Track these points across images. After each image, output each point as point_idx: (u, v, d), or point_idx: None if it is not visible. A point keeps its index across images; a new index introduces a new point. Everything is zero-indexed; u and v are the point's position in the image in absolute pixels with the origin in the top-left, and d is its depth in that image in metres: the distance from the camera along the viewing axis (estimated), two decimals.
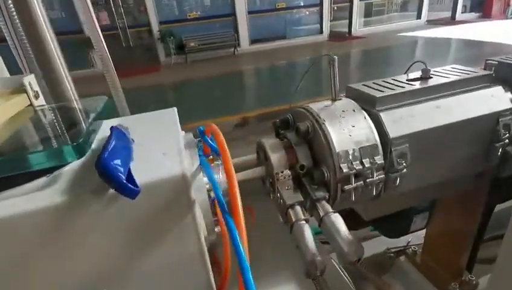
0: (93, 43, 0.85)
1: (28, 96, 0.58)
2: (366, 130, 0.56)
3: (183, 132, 0.58)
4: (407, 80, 0.66)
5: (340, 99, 0.62)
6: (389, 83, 0.65)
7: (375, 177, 0.55)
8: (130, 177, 0.37)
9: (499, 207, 0.88)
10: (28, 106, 0.59)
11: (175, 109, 0.62)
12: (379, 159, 0.55)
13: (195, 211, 0.41)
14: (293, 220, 0.51)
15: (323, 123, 0.55)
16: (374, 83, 0.66)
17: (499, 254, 0.66)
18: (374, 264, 1.13)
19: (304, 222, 0.50)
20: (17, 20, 0.71)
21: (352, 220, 0.81)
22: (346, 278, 0.72)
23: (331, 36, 10.14)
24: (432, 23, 11.20)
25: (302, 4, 9.82)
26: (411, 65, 0.73)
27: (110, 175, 0.34)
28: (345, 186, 0.54)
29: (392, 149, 0.56)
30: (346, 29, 10.47)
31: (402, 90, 0.61)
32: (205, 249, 0.45)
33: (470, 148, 0.64)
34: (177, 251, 0.43)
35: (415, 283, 1.07)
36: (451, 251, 0.97)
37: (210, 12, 8.89)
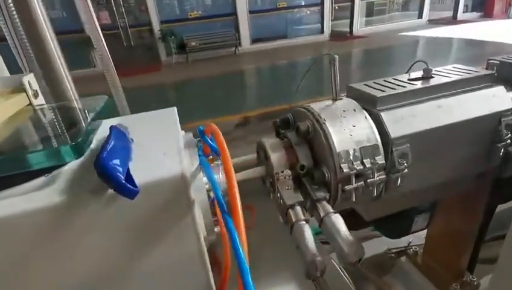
0: (94, 42, 0.85)
1: (27, 95, 0.58)
2: (367, 130, 0.55)
3: (183, 131, 0.58)
4: (408, 80, 0.65)
5: (341, 99, 0.61)
6: (390, 83, 0.64)
7: (376, 178, 0.55)
8: (129, 177, 0.37)
9: (500, 207, 0.87)
10: (27, 105, 0.59)
11: (175, 108, 0.62)
12: (380, 159, 0.54)
13: (194, 211, 0.41)
14: (293, 220, 0.50)
15: (324, 123, 0.55)
16: (375, 82, 0.65)
17: (501, 254, 0.66)
18: (374, 265, 1.13)
19: (304, 222, 0.50)
20: (17, 19, 0.71)
21: (353, 220, 0.81)
22: (347, 278, 0.72)
23: (332, 36, 10.12)
24: (434, 22, 11.17)
25: (303, 4, 9.81)
26: (412, 65, 0.72)
27: (108, 175, 0.34)
28: (346, 187, 0.54)
29: (393, 149, 0.55)
30: (347, 29, 10.45)
31: (403, 89, 0.60)
32: (205, 249, 0.45)
33: (472, 148, 0.64)
34: (177, 251, 0.43)
35: (416, 284, 1.06)
36: (452, 251, 0.97)
37: (211, 11, 8.88)
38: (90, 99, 0.58)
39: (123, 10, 8.16)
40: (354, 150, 0.54)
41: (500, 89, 0.64)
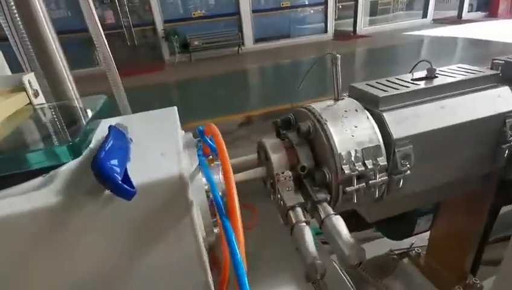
0: (95, 41, 0.85)
1: (27, 94, 0.58)
2: (369, 130, 0.55)
3: (183, 131, 0.57)
4: (411, 80, 0.65)
5: (343, 99, 0.61)
6: (393, 83, 0.64)
7: (378, 179, 0.54)
8: (126, 178, 0.36)
9: (504, 209, 0.86)
10: (27, 104, 0.59)
11: (175, 108, 0.61)
12: (382, 161, 0.54)
13: (193, 213, 0.41)
14: (294, 222, 0.50)
15: (325, 123, 0.54)
16: (377, 82, 0.65)
17: (505, 256, 0.65)
18: (376, 266, 1.12)
19: (305, 224, 0.49)
20: (18, 18, 0.71)
21: (355, 221, 0.80)
22: (348, 281, 0.71)
23: (335, 35, 10.09)
24: (438, 22, 11.09)
25: (306, 3, 9.78)
26: (416, 64, 0.71)
27: (105, 176, 0.33)
28: (347, 188, 0.53)
29: (396, 150, 0.54)
30: (351, 28, 10.40)
31: (406, 90, 0.59)
32: (203, 251, 0.44)
33: (476, 149, 0.63)
34: (175, 252, 0.42)
35: (418, 286, 1.05)
36: (455, 253, 0.96)
37: (214, 11, 8.89)
38: (89, 98, 0.57)
39: (127, 10, 8.18)
40: (356, 150, 0.53)
41: (505, 90, 0.63)
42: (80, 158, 0.43)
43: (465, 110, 0.59)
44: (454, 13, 11.72)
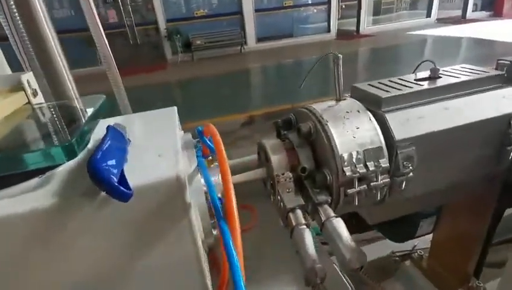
0: (95, 40, 0.84)
1: (25, 94, 0.57)
2: (370, 132, 0.54)
3: (182, 132, 0.57)
4: (415, 80, 0.64)
5: (345, 99, 0.60)
6: (396, 83, 0.63)
7: (380, 181, 0.53)
8: (122, 180, 0.35)
9: (508, 211, 0.85)
10: (26, 103, 0.58)
11: (175, 108, 0.61)
12: (384, 162, 0.53)
13: (191, 215, 0.40)
14: (294, 224, 0.49)
15: (326, 124, 0.53)
16: (379, 82, 0.64)
17: (510, 258, 0.64)
18: (377, 268, 1.11)
19: (305, 226, 0.49)
20: (18, 17, 0.70)
21: (356, 222, 0.79)
22: (348, 283, 0.70)
23: (338, 34, 10.05)
24: (442, 21, 11.02)
25: (309, 2, 9.75)
26: (419, 64, 0.70)
27: (101, 178, 0.33)
28: (348, 190, 0.52)
29: (398, 152, 0.54)
30: (354, 28, 10.36)
31: (409, 90, 0.59)
32: (202, 253, 0.44)
33: (480, 151, 0.62)
34: (173, 254, 0.42)
35: (420, 288, 1.04)
36: (458, 256, 0.95)
37: (217, 10, 8.88)
38: (88, 98, 0.57)
39: (130, 9, 8.20)
40: (357, 152, 0.52)
41: (510, 90, 0.62)
42: (78, 158, 0.42)
43: (469, 112, 0.58)
44: (458, 13, 11.64)
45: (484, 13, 11.67)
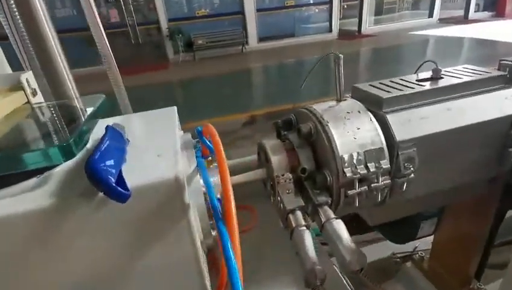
0: (96, 40, 0.84)
1: (25, 93, 0.57)
2: (371, 132, 0.53)
3: (182, 132, 0.57)
4: (416, 80, 0.63)
5: (345, 100, 0.59)
6: (397, 84, 0.62)
7: (381, 183, 0.52)
8: (120, 180, 0.35)
9: (510, 213, 0.85)
10: (25, 103, 0.58)
11: (175, 108, 0.60)
12: (385, 164, 0.52)
13: (189, 215, 0.40)
14: (293, 225, 0.49)
15: (327, 125, 0.53)
16: (381, 83, 0.63)
17: None
18: (378, 269, 1.10)
19: (305, 228, 0.48)
20: (18, 17, 0.70)
21: (357, 223, 0.79)
22: (348, 284, 0.70)
23: (340, 34, 10.03)
24: (444, 21, 10.98)
25: (311, 2, 9.73)
26: (421, 65, 0.70)
27: (98, 178, 0.33)
28: (349, 191, 0.52)
29: (399, 153, 0.53)
30: (356, 28, 10.34)
31: (411, 91, 0.58)
32: (201, 254, 0.43)
33: (482, 153, 0.61)
34: (171, 255, 0.41)
35: None
36: (460, 257, 0.94)
37: (219, 10, 8.87)
38: (88, 98, 0.57)
39: (132, 8, 8.20)
40: (358, 153, 0.52)
41: None
42: (76, 159, 0.42)
43: (472, 112, 0.58)
44: (460, 13, 11.60)
45: (486, 13, 11.62)
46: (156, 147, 0.45)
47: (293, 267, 0.67)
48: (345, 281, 0.72)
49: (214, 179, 0.47)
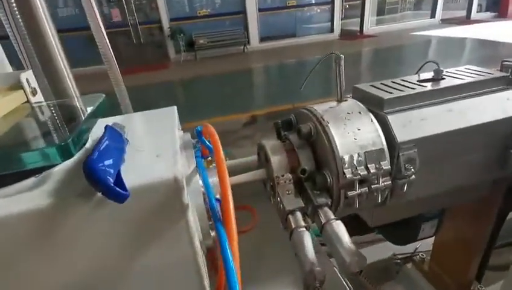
0: (96, 39, 0.84)
1: (24, 92, 0.57)
2: (372, 133, 0.53)
3: (182, 131, 0.56)
4: (418, 81, 0.63)
5: (346, 100, 0.59)
6: (398, 84, 0.62)
7: (381, 184, 0.52)
8: (119, 180, 0.35)
9: (511, 214, 0.84)
10: (25, 102, 0.58)
11: (175, 107, 0.60)
12: (385, 165, 0.52)
13: (188, 216, 0.40)
14: (293, 226, 0.48)
15: (327, 125, 0.53)
16: (382, 83, 0.63)
17: None
18: (379, 270, 1.10)
19: (304, 229, 0.48)
20: (18, 15, 0.70)
21: (357, 224, 0.78)
22: (348, 286, 0.69)
23: (342, 35, 10.02)
24: (447, 22, 10.96)
25: (313, 2, 9.72)
26: (423, 65, 0.69)
27: (96, 178, 0.32)
28: (349, 193, 0.52)
29: (400, 154, 0.53)
30: (357, 28, 10.32)
31: (412, 91, 0.58)
32: (200, 254, 0.43)
33: (483, 154, 0.61)
34: (170, 256, 0.41)
35: None
36: (461, 259, 0.94)
37: (220, 9, 8.88)
38: (88, 97, 0.56)
39: (133, 8, 8.21)
40: (358, 154, 0.51)
41: None
42: (75, 158, 0.42)
43: (473, 114, 0.57)
44: (463, 13, 11.57)
45: (489, 14, 11.59)
46: (155, 147, 0.44)
47: (293, 268, 0.67)
48: (344, 283, 0.71)
49: (214, 180, 0.47)
